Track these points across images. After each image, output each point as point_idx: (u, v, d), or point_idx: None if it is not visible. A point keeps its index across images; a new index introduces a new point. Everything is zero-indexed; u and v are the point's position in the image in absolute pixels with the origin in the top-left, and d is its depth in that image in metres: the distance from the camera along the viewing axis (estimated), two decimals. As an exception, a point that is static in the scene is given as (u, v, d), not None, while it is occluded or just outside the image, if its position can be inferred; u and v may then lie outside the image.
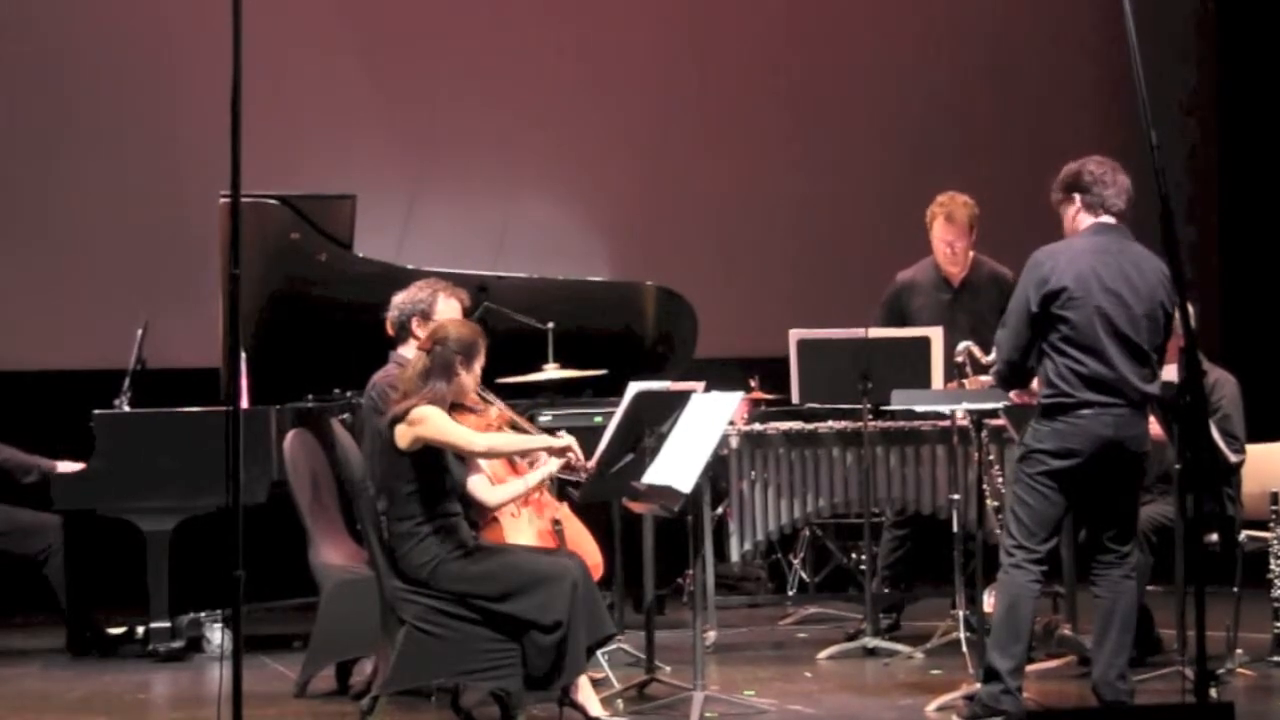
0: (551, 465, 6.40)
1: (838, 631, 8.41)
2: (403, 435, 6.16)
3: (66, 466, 8.17)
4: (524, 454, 6.51)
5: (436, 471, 6.19)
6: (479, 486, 6.35)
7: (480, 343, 6.33)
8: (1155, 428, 7.13)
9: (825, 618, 8.90)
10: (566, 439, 6.42)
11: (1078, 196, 6.29)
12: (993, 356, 6.47)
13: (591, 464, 6.55)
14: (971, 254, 8.29)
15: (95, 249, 9.98)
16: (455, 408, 6.30)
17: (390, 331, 7.15)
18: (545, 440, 6.48)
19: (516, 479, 6.47)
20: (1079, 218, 6.30)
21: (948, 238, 8.24)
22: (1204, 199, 11.34)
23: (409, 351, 7.08)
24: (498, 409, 6.66)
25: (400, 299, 7.09)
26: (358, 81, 10.38)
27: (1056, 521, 6.24)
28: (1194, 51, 11.43)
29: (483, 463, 6.40)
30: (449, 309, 6.92)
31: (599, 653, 6.64)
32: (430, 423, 6.12)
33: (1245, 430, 7.36)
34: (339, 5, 10.47)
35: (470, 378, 6.30)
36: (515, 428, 6.73)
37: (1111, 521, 6.27)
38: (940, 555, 7.96)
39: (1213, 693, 6.23)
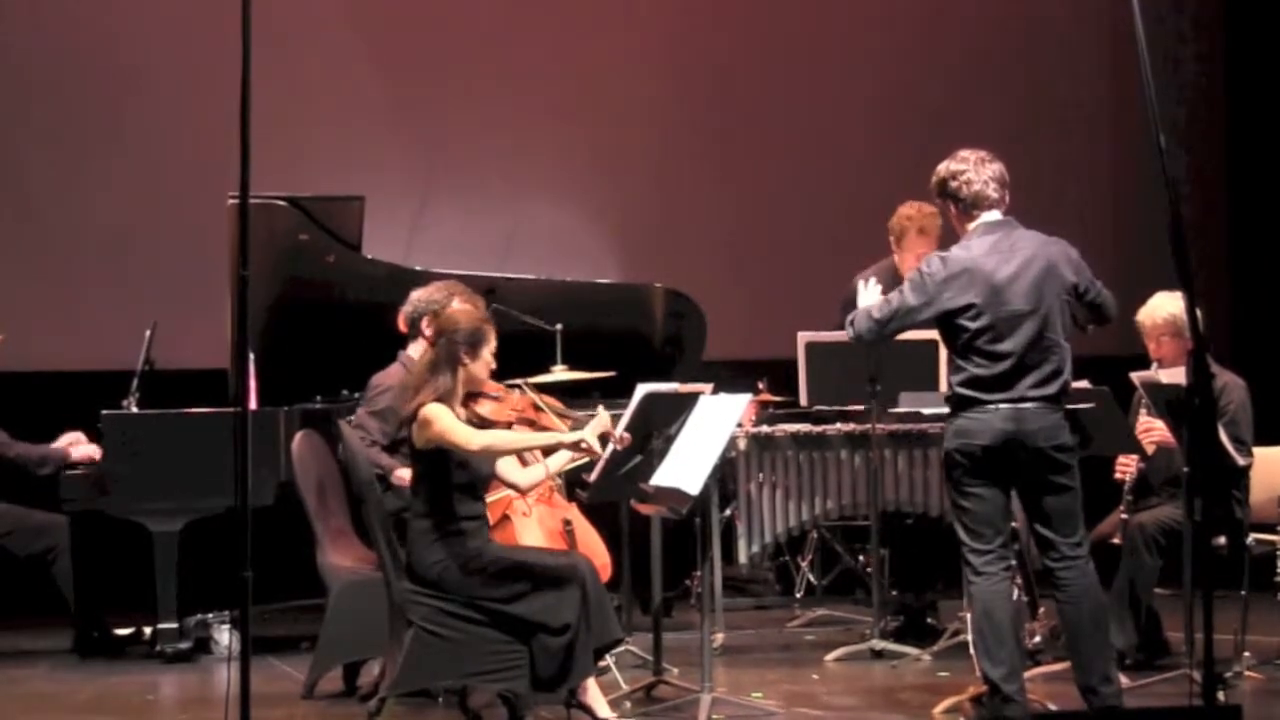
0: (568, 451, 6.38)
1: (845, 634, 8.40)
2: (416, 436, 6.17)
3: (79, 450, 8.19)
4: (524, 452, 6.50)
5: (452, 471, 6.17)
6: (506, 468, 6.39)
7: (486, 329, 6.29)
8: (1165, 432, 7.14)
9: (833, 620, 8.89)
10: (593, 428, 6.23)
11: (950, 202, 6.20)
12: (864, 308, 6.24)
13: (620, 433, 6.36)
14: None
15: (103, 250, 9.98)
16: (474, 396, 6.29)
17: (403, 327, 7.18)
18: (548, 438, 6.43)
19: (538, 464, 6.48)
20: (960, 221, 6.21)
21: (920, 250, 8.18)
22: (1213, 203, 11.31)
23: (416, 351, 7.12)
24: (519, 394, 6.65)
25: (417, 295, 7.16)
26: (368, 83, 10.38)
27: (998, 512, 6.11)
28: (1199, 53, 11.41)
29: None
30: (460, 313, 6.93)
31: (607, 655, 6.64)
32: (436, 422, 6.11)
33: (1253, 434, 7.35)
34: (349, 6, 10.47)
35: (480, 365, 6.26)
36: (538, 410, 6.71)
37: (1040, 517, 6.12)
38: (947, 557, 7.95)
39: (1220, 696, 6.25)
